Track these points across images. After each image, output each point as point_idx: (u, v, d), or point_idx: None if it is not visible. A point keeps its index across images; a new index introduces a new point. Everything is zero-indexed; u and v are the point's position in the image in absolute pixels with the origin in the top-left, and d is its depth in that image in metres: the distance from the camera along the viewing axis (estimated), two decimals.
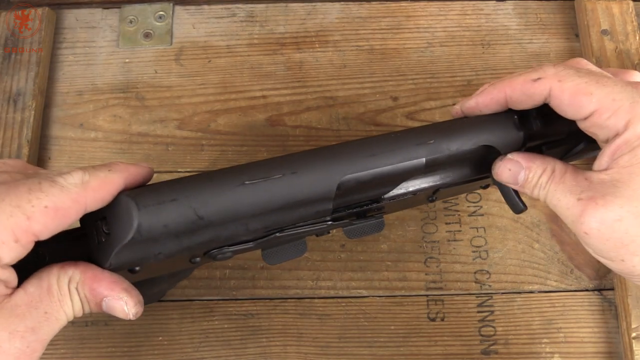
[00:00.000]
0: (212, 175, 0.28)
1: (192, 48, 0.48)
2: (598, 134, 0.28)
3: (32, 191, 0.24)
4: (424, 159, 0.30)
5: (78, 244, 0.28)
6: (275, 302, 0.41)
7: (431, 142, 0.30)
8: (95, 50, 0.48)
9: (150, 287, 0.35)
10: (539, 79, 0.28)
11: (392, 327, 0.40)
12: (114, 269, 0.27)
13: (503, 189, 0.32)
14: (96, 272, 0.27)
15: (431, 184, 0.32)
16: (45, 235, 0.24)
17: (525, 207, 0.32)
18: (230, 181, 0.27)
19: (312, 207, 0.29)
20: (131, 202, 0.26)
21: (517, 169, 0.30)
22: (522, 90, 0.29)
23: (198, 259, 0.29)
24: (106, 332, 0.40)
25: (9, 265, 0.24)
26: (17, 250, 0.24)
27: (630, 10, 0.47)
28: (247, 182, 0.27)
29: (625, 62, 0.45)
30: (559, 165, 0.29)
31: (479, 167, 0.32)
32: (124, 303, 0.27)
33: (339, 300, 0.41)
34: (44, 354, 0.40)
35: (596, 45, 0.46)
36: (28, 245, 0.24)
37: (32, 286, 0.25)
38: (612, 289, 0.41)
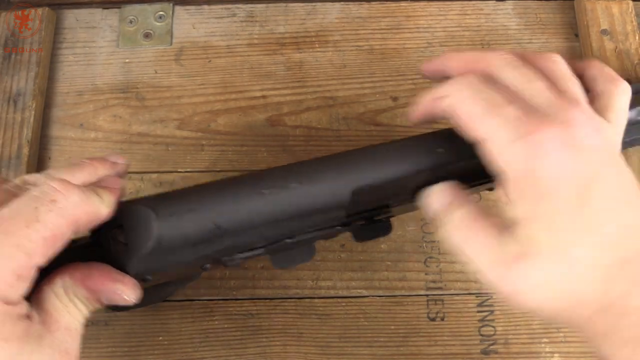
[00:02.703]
0: (228, 184, 0.28)
1: (192, 48, 0.48)
2: (489, 165, 0.27)
3: (30, 224, 0.23)
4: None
5: (78, 251, 0.28)
6: (275, 302, 0.41)
7: (440, 150, 0.30)
8: (95, 50, 0.48)
9: (159, 290, 0.35)
10: (441, 97, 0.28)
11: (392, 327, 0.40)
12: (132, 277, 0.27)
13: None
14: (84, 271, 0.26)
15: None
16: (44, 262, 0.24)
17: None
18: (248, 190, 0.27)
19: (327, 214, 0.29)
20: (150, 213, 0.26)
21: (444, 199, 0.29)
22: (431, 109, 0.29)
23: (208, 265, 0.29)
24: (106, 332, 0.40)
25: (22, 298, 0.24)
26: (22, 286, 0.24)
27: (630, 10, 0.47)
28: (264, 191, 0.27)
29: (625, 62, 0.45)
30: (482, 212, 0.28)
31: (487, 172, 0.33)
32: (120, 292, 0.26)
33: (339, 300, 0.41)
34: None
35: (596, 45, 0.46)
36: (31, 277, 0.24)
37: (39, 313, 0.25)
38: None
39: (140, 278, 0.27)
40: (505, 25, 0.48)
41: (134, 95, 0.46)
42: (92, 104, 0.46)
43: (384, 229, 0.33)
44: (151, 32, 0.48)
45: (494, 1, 0.49)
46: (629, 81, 0.43)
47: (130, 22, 0.48)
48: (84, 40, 0.48)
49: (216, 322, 0.40)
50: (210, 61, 0.47)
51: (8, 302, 0.23)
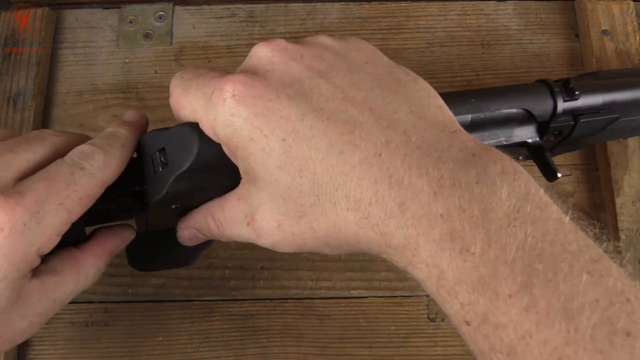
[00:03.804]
0: None
1: (192, 48, 0.48)
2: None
3: (69, 185, 0.25)
4: (469, 116, 0.31)
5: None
6: (275, 302, 0.41)
7: (472, 100, 0.31)
8: (95, 50, 0.48)
9: (173, 249, 0.35)
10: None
11: (392, 328, 0.40)
12: (169, 198, 0.28)
13: (537, 155, 0.33)
14: (103, 247, 0.30)
15: None
16: (76, 219, 0.26)
17: (558, 175, 0.33)
18: None
19: None
20: (192, 131, 0.26)
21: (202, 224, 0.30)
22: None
23: None
24: (106, 332, 0.40)
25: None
26: (57, 241, 0.26)
27: (631, 10, 0.47)
28: None
29: (625, 62, 0.45)
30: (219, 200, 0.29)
31: (514, 133, 0.33)
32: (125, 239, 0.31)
33: (339, 300, 0.41)
34: (43, 354, 0.40)
35: (596, 46, 0.45)
36: (63, 234, 0.26)
37: (41, 273, 0.27)
38: None
39: (179, 200, 0.28)
40: (505, 26, 0.48)
41: (134, 95, 0.46)
42: (92, 104, 0.46)
43: None
44: (151, 32, 0.48)
45: (495, 1, 0.49)
46: None
47: (130, 22, 0.48)
48: (84, 40, 0.48)
49: (216, 322, 0.40)
50: (210, 61, 0.47)
51: (39, 256, 0.25)
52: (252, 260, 0.41)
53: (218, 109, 0.25)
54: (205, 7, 0.49)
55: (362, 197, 0.23)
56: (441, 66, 0.47)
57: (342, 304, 0.41)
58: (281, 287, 0.41)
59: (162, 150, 0.28)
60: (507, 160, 0.23)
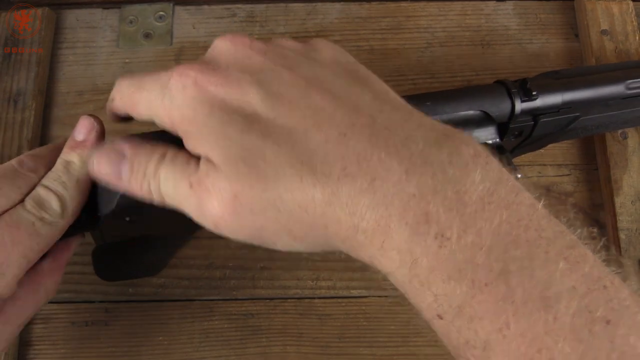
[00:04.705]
0: None
1: (192, 48, 0.48)
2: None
3: (32, 237, 0.26)
4: None
5: None
6: (275, 302, 0.41)
7: (428, 103, 0.31)
8: (95, 50, 0.48)
9: (143, 253, 0.35)
10: (113, 100, 0.28)
11: (392, 327, 0.40)
12: (120, 211, 0.28)
13: (497, 156, 0.33)
14: (52, 267, 0.31)
15: None
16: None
17: (518, 176, 0.33)
18: None
19: None
20: None
21: (118, 159, 0.25)
22: (112, 111, 0.29)
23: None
24: (106, 332, 0.40)
25: None
26: (15, 287, 0.27)
27: (630, 10, 0.47)
28: None
29: None
30: (172, 149, 0.25)
31: (473, 135, 0.33)
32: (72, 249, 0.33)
33: (339, 300, 0.41)
34: (43, 354, 0.40)
35: (596, 46, 0.46)
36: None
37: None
38: None
39: (127, 214, 0.28)
40: (505, 26, 0.48)
41: None
42: (92, 104, 0.46)
43: None
44: (151, 32, 0.48)
45: (494, 1, 0.49)
46: None
47: (130, 22, 0.48)
48: (84, 40, 0.48)
49: (216, 322, 0.40)
50: None
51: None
52: (252, 260, 0.41)
53: (176, 95, 0.24)
54: (205, 7, 0.49)
55: (330, 172, 0.21)
56: (441, 66, 0.47)
57: (342, 304, 0.41)
58: (281, 287, 0.41)
59: None
60: (478, 145, 0.22)
